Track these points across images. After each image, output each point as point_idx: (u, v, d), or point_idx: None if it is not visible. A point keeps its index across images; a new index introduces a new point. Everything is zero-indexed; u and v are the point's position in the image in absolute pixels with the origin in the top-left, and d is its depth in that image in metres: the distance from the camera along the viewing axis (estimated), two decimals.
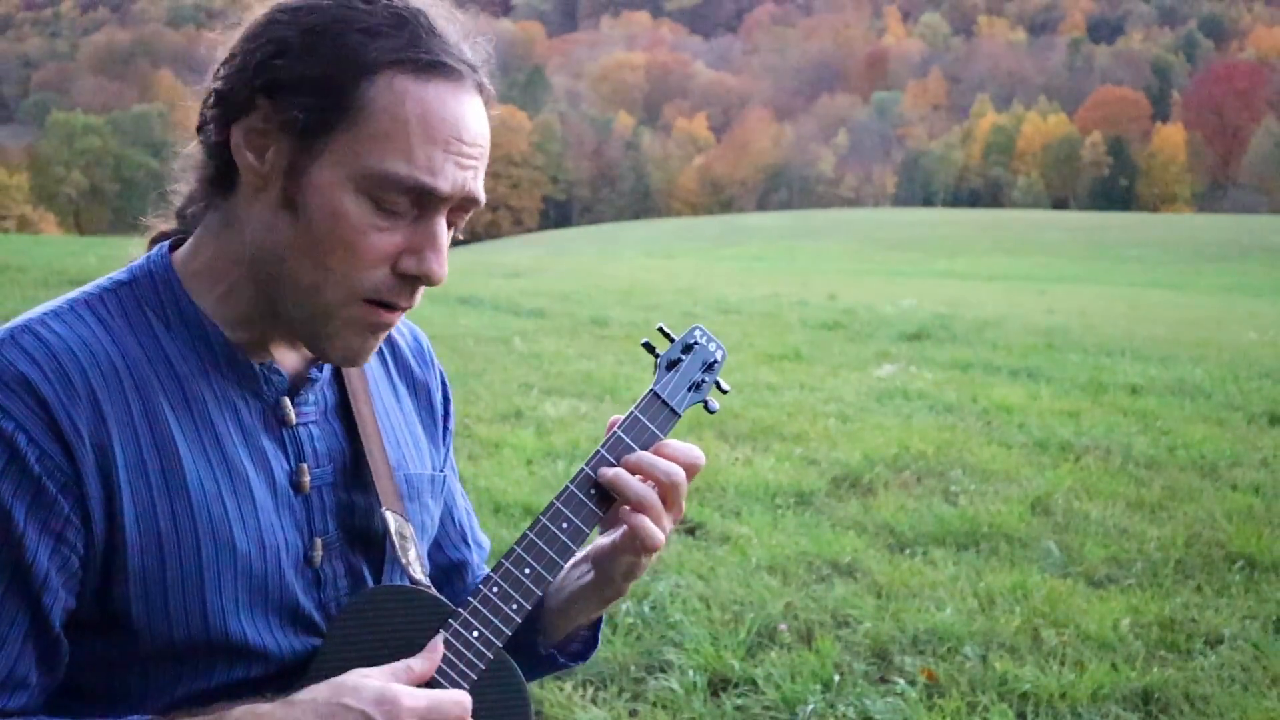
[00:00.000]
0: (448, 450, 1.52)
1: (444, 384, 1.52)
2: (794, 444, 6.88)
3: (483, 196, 1.23)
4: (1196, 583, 4.69)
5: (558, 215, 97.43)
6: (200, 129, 1.23)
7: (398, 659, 1.23)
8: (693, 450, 1.38)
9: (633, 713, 3.55)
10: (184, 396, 1.21)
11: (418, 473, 1.40)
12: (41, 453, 1.13)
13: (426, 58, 1.17)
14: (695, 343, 1.44)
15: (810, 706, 3.53)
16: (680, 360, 1.43)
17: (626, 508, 1.34)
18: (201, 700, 1.21)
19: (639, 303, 14.77)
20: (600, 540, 1.41)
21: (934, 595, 4.46)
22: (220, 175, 1.23)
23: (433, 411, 1.49)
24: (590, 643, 1.53)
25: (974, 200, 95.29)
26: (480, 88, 1.22)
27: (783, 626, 4.12)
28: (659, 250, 42.07)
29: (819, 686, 3.65)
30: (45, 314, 1.21)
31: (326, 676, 1.20)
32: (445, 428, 1.52)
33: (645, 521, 1.33)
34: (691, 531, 5.18)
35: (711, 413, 1.45)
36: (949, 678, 3.76)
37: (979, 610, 4.32)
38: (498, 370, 9.22)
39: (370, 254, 1.18)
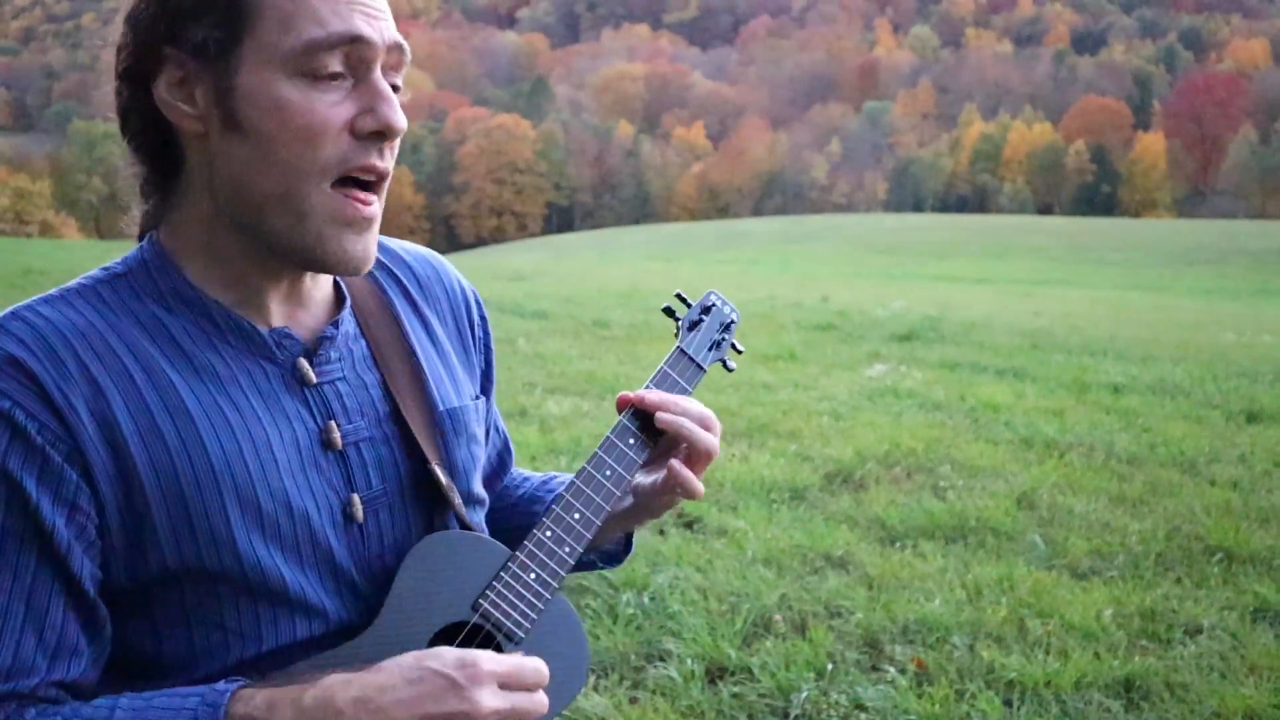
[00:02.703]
0: (488, 368, 1.50)
1: (478, 303, 1.50)
2: (789, 441, 6.88)
3: (407, 45, 1.21)
4: (1176, 575, 4.69)
5: (560, 220, 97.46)
6: (124, 126, 1.22)
7: (460, 600, 1.25)
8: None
9: (633, 700, 3.54)
10: (193, 369, 1.20)
11: (458, 405, 1.37)
12: (41, 425, 1.12)
13: None
14: (713, 305, 1.52)
15: (804, 694, 3.53)
16: (701, 320, 1.50)
17: (674, 461, 1.37)
18: (257, 665, 1.19)
19: (639, 305, 14.76)
20: (641, 479, 1.43)
21: (923, 587, 4.46)
22: (162, 157, 1.21)
23: (467, 333, 1.46)
24: (624, 548, 1.55)
25: (962, 206, 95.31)
26: None
27: (777, 617, 4.12)
28: (658, 254, 42.07)
29: (812, 675, 3.65)
30: (34, 301, 1.20)
31: (394, 620, 1.21)
32: (487, 347, 1.50)
33: (691, 478, 1.37)
34: (690, 525, 5.18)
35: (730, 371, 1.53)
36: (938, 666, 3.76)
37: (967, 601, 4.32)
38: (503, 370, 9.21)
39: (325, 127, 1.16)
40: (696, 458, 1.38)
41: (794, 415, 7.63)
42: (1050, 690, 3.61)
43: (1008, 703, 3.55)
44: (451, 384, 1.38)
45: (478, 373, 1.46)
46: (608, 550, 1.54)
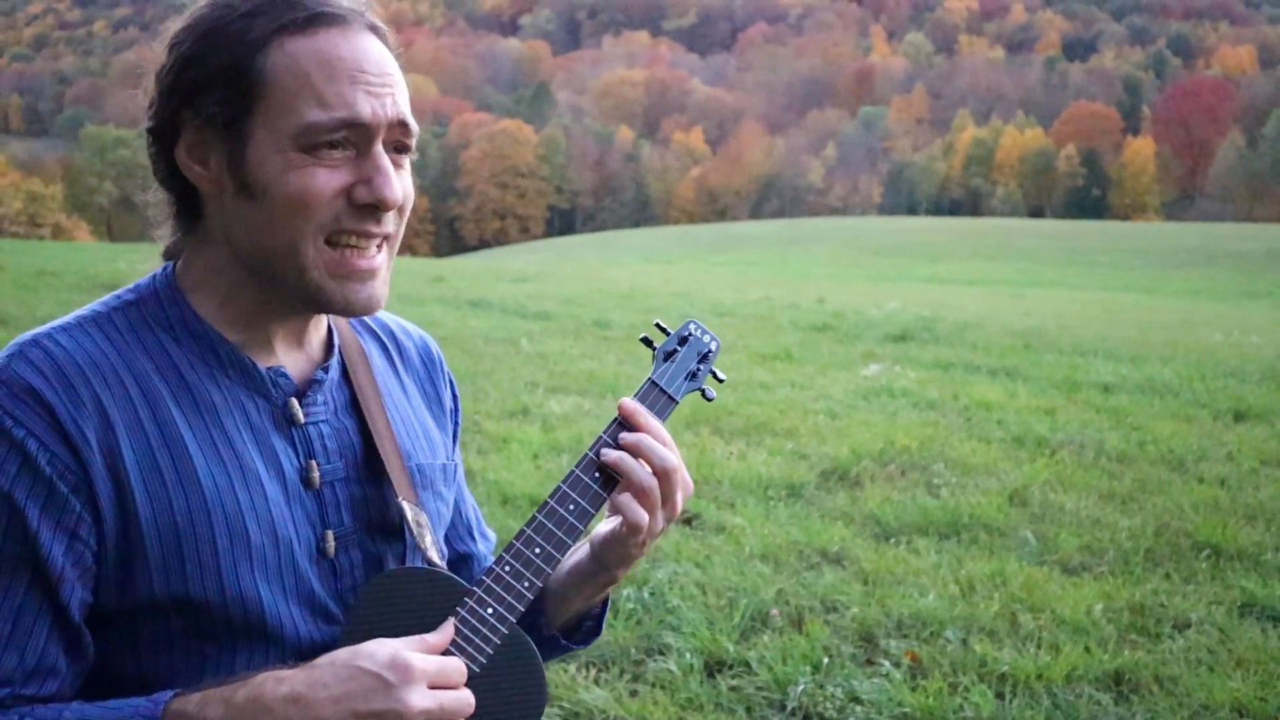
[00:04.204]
0: (456, 448, 1.52)
1: (452, 386, 1.53)
2: (785, 439, 6.88)
3: (411, 120, 1.25)
4: (1165, 570, 4.69)
5: (562, 223, 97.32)
6: (155, 172, 1.27)
7: (416, 634, 1.23)
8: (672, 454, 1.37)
9: (633, 693, 3.55)
10: (193, 400, 1.22)
11: (429, 462, 1.40)
12: (51, 456, 1.14)
13: (303, 15, 1.19)
14: (690, 335, 1.46)
15: (800, 687, 3.53)
16: (676, 351, 1.45)
17: (620, 490, 1.34)
18: None
19: (639, 306, 14.75)
20: (600, 527, 1.41)
21: (917, 582, 4.46)
22: (185, 203, 1.26)
23: (442, 407, 1.49)
24: (594, 630, 1.53)
25: (955, 209, 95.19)
26: (372, 28, 1.24)
27: (774, 612, 4.12)
28: (658, 256, 42.02)
29: (809, 668, 3.65)
30: (53, 329, 1.22)
31: None
32: (455, 422, 1.52)
33: (631, 502, 1.33)
34: (688, 522, 5.18)
35: (709, 400, 1.47)
36: (931, 660, 3.76)
37: (960, 596, 4.32)
38: (506, 370, 9.21)
39: (320, 194, 1.19)
40: (638, 494, 1.34)
41: (791, 414, 7.63)
42: (1041, 683, 3.61)
43: (1000, 695, 3.55)
44: (425, 441, 1.41)
45: (449, 439, 1.49)
46: (578, 634, 1.51)
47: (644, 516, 1.33)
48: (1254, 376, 9.59)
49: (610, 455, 1.33)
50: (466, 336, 10.86)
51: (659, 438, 1.35)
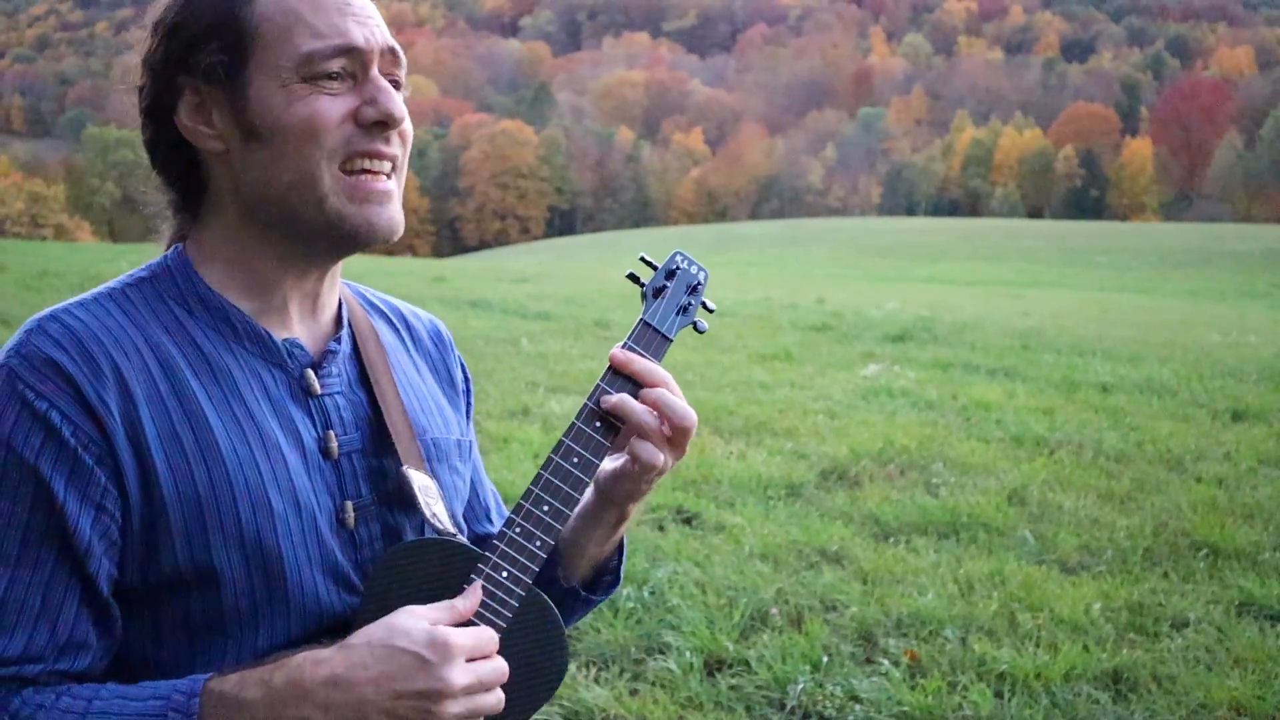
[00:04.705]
0: (470, 425, 1.52)
1: (463, 367, 1.53)
2: (785, 439, 6.88)
3: (399, 47, 1.27)
4: (1163, 569, 4.69)
5: (562, 224, 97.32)
6: (153, 159, 1.27)
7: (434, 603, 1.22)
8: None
9: (633, 692, 3.55)
10: (211, 371, 1.23)
11: (443, 437, 1.40)
12: (75, 427, 1.14)
13: None
14: (678, 268, 1.42)
15: (800, 686, 3.53)
16: (665, 287, 1.40)
17: (628, 433, 1.33)
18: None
19: (639, 306, 14.70)
20: (604, 465, 1.37)
21: (916, 581, 4.46)
22: (186, 182, 1.27)
23: (454, 386, 1.49)
24: (613, 582, 1.51)
25: (954, 210, 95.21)
26: None
27: (774, 611, 4.12)
28: (658, 257, 41.91)
29: (808, 667, 3.65)
30: (70, 304, 1.23)
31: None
32: (468, 401, 1.52)
33: (644, 445, 1.32)
34: (688, 521, 5.18)
35: (701, 332, 1.42)
36: (930, 659, 3.76)
37: (959, 595, 4.32)
38: (506, 369, 9.22)
39: (328, 118, 1.21)
40: (648, 436, 1.32)
41: (790, 414, 7.63)
42: (1040, 682, 3.61)
43: (999, 694, 3.55)
44: (439, 417, 1.41)
45: (463, 417, 1.49)
46: (597, 586, 1.49)
47: (658, 458, 1.32)
48: (1252, 376, 9.59)
49: (610, 401, 1.31)
50: (467, 337, 10.86)
51: (662, 382, 1.33)
